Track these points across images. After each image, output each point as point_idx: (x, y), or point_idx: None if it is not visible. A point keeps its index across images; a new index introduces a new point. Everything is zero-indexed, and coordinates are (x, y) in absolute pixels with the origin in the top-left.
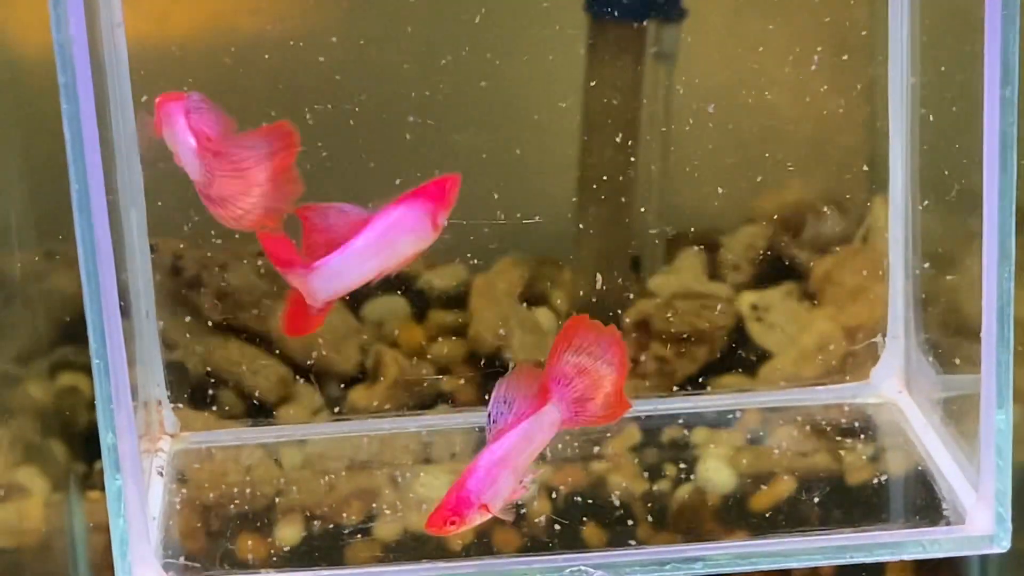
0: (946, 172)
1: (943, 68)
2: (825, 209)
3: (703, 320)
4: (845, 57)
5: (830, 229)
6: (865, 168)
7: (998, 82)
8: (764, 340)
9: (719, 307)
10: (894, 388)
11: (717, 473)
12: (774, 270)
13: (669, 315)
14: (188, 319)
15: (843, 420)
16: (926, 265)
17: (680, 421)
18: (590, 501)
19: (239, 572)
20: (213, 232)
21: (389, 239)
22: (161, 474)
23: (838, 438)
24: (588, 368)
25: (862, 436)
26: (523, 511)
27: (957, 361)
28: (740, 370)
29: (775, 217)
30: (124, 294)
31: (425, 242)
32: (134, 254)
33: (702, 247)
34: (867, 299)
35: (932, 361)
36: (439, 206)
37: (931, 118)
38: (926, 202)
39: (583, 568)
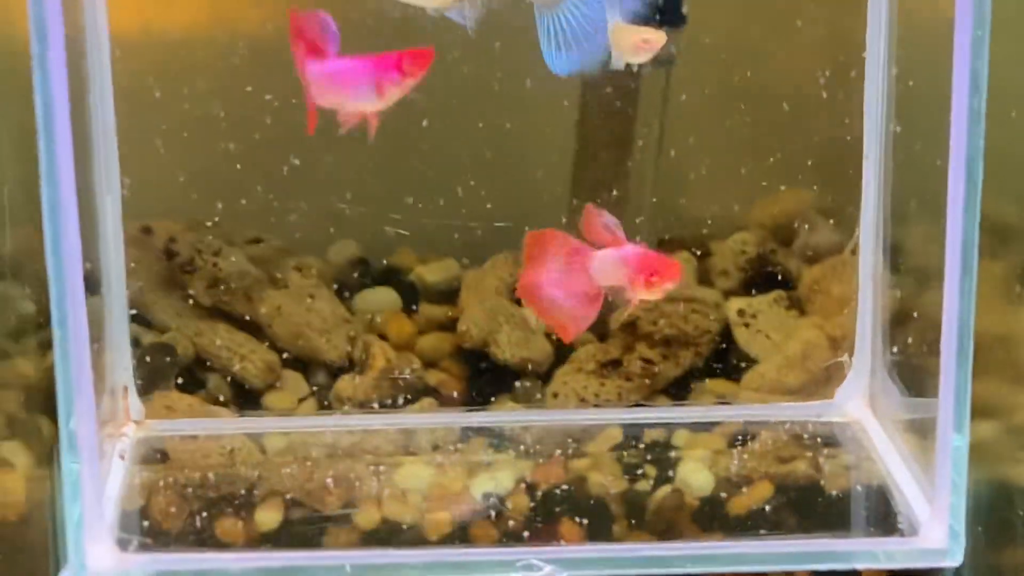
0: (916, 190)
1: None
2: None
3: (690, 324)
4: (845, 66)
5: (821, 239)
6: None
7: (967, 93)
8: (750, 346)
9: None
10: (859, 408)
11: (695, 476)
12: (763, 278)
13: (656, 318)
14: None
15: (807, 437)
16: (896, 286)
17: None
18: (568, 498)
19: (192, 550)
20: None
21: None
22: (123, 458)
23: (805, 453)
24: None
25: (826, 452)
26: (505, 507)
27: (921, 383)
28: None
29: (768, 225)
30: (95, 279)
31: None
32: (107, 239)
33: (694, 251)
34: (852, 311)
35: (897, 382)
36: None
37: (899, 131)
38: (897, 221)
39: (533, 562)
